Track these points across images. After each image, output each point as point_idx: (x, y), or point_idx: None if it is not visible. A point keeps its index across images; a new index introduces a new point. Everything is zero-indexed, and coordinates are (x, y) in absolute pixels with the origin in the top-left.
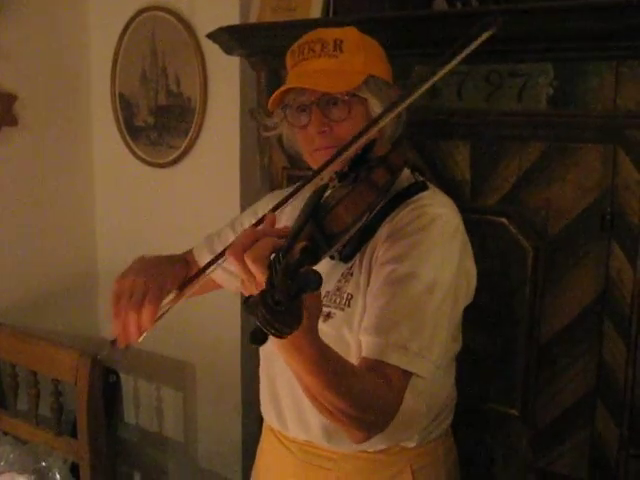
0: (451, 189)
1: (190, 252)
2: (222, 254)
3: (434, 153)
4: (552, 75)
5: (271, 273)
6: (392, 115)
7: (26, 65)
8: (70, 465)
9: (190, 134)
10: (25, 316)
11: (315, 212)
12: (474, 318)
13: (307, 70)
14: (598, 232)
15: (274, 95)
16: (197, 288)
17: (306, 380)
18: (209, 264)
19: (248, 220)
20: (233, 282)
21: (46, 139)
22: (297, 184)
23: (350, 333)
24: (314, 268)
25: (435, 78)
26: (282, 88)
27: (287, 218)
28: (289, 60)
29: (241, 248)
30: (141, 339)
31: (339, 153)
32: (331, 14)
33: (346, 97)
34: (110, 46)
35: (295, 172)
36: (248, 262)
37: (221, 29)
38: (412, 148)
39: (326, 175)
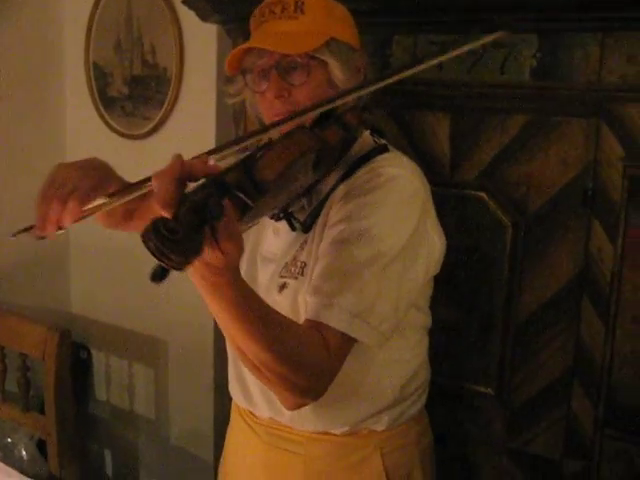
0: (430, 163)
1: None
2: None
3: (413, 125)
4: (536, 46)
5: (178, 206)
6: (362, 92)
7: None
8: (37, 441)
9: (165, 105)
10: None
11: (247, 159)
12: (450, 294)
13: (266, 32)
14: (579, 208)
15: (230, 57)
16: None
17: (230, 327)
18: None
19: None
20: None
21: (18, 109)
22: (241, 135)
23: (302, 301)
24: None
25: (423, 66)
26: (237, 49)
27: None
28: (252, 24)
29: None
30: (58, 234)
31: (292, 117)
32: None
33: (305, 59)
34: (84, 14)
35: None
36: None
37: None
38: (389, 119)
39: (274, 134)
